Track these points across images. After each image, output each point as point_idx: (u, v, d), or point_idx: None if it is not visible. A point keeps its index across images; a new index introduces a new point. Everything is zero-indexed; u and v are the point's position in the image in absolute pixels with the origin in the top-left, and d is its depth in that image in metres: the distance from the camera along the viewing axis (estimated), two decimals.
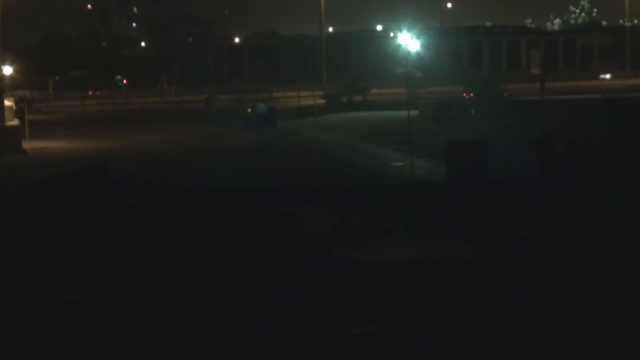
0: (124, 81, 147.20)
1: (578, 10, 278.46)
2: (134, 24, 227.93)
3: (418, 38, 65.89)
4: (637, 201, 17.86)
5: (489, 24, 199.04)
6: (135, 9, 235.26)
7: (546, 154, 19.94)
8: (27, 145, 67.90)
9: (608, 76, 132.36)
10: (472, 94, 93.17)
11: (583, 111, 52.68)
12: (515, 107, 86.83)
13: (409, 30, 64.30)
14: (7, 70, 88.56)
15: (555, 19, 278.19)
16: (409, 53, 62.81)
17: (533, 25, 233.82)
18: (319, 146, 66.25)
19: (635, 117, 17.67)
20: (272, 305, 23.92)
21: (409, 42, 62.94)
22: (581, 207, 19.32)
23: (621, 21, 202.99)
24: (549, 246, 23.72)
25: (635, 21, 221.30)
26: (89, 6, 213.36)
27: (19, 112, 77.83)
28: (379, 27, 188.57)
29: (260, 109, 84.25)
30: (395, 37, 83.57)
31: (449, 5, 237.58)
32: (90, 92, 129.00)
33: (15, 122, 73.00)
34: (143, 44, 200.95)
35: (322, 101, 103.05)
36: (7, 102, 73.94)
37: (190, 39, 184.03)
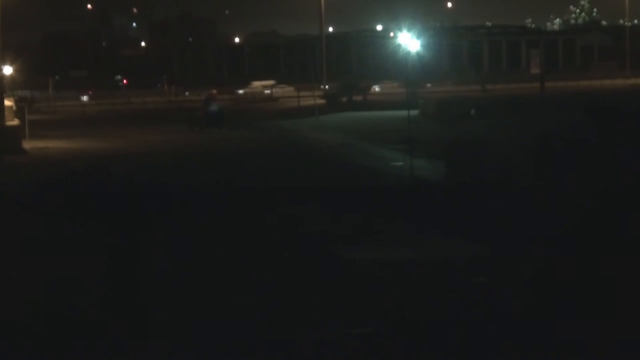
0: (124, 81, 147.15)
1: (578, 10, 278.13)
2: (134, 24, 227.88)
3: (418, 38, 65.83)
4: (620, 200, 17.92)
5: (489, 23, 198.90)
6: (135, 9, 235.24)
7: (542, 155, 20.03)
8: (28, 145, 67.80)
9: None
10: None
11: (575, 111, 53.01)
12: (513, 107, 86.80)
13: (409, 30, 64.27)
14: (7, 70, 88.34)
15: (555, 19, 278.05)
16: (408, 53, 62.74)
17: (533, 25, 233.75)
18: (318, 146, 66.19)
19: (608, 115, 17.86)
20: (272, 305, 23.93)
21: (409, 41, 62.89)
22: (577, 209, 19.37)
23: (621, 21, 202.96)
24: (549, 246, 23.74)
25: (635, 21, 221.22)
26: (89, 6, 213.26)
27: (19, 112, 77.77)
28: (379, 27, 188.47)
29: (211, 108, 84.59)
30: (395, 36, 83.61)
31: (449, 5, 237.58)
32: (90, 92, 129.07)
33: (15, 122, 72.93)
34: (143, 44, 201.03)
35: (322, 101, 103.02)
36: (7, 102, 73.86)
37: (190, 39, 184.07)
